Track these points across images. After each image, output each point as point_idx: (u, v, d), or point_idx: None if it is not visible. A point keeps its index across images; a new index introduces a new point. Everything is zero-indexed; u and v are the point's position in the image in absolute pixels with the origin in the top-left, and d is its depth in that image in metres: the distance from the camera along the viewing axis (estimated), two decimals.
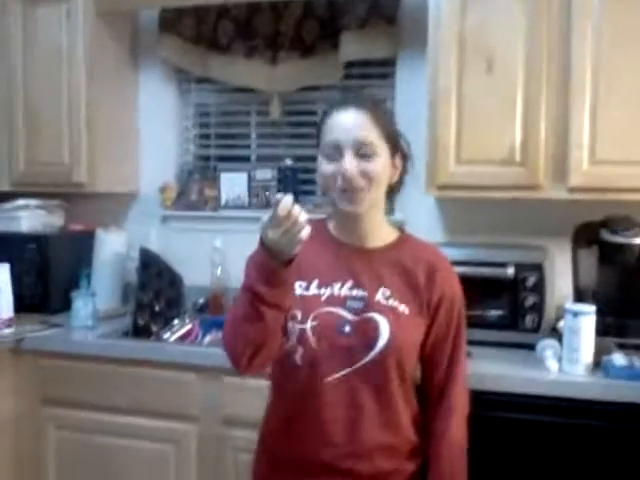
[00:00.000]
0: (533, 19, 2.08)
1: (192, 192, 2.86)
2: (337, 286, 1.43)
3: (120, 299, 2.74)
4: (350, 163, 1.36)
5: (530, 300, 2.12)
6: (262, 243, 1.24)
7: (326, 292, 1.42)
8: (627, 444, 1.81)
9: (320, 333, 1.38)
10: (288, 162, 2.75)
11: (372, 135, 1.38)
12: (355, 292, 1.42)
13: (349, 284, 1.43)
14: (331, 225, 1.52)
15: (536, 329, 2.12)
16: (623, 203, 2.06)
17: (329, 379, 1.38)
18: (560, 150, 2.09)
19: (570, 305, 1.95)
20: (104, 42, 2.68)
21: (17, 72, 2.67)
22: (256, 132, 2.91)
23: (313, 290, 1.42)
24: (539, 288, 2.11)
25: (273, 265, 1.23)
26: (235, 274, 2.74)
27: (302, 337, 1.38)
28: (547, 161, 2.11)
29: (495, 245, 2.30)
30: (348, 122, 1.38)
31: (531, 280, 2.12)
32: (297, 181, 2.75)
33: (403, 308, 1.42)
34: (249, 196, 2.79)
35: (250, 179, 2.79)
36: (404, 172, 1.50)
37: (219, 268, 2.73)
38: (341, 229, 1.49)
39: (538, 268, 2.12)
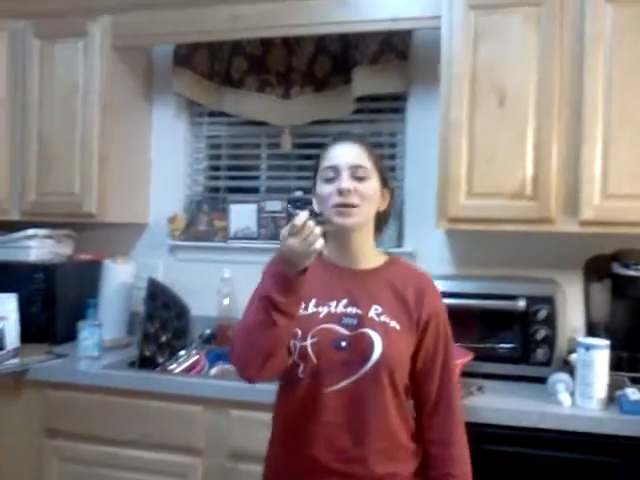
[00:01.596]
0: (545, 54, 2.11)
1: (201, 223, 2.87)
2: (333, 304, 1.53)
3: (126, 329, 2.72)
4: (347, 181, 1.51)
5: (541, 333, 2.10)
6: (279, 255, 1.35)
7: (323, 310, 1.53)
8: None
9: (319, 349, 1.48)
10: (298, 194, 2.75)
11: (366, 162, 1.55)
12: (350, 309, 1.53)
13: (344, 302, 1.53)
14: (325, 251, 1.59)
15: (548, 362, 2.10)
16: (634, 236, 2.05)
17: (329, 390, 1.48)
18: (571, 184, 2.10)
19: (583, 339, 1.94)
20: (119, 76, 2.73)
21: (33, 105, 2.71)
22: (266, 164, 2.93)
23: (311, 309, 1.53)
24: (550, 321, 2.10)
25: (288, 273, 1.34)
26: (243, 305, 2.69)
27: (303, 353, 1.49)
28: (558, 195, 2.11)
29: (506, 278, 2.30)
30: (346, 150, 1.56)
31: (542, 313, 2.10)
32: None
33: (394, 324, 1.52)
34: (258, 227, 2.80)
35: (259, 210, 2.80)
36: (391, 205, 1.66)
37: (227, 299, 2.72)
38: (335, 253, 1.60)
39: (549, 301, 2.11)
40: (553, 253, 2.40)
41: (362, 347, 1.48)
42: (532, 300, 2.11)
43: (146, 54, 2.91)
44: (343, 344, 1.49)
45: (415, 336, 1.54)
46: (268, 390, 2.05)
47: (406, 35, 2.55)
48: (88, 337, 2.41)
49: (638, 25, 2.03)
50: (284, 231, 1.34)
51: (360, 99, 2.65)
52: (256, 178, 2.95)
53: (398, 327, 1.51)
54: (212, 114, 2.95)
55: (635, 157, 2.03)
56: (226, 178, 2.97)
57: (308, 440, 1.49)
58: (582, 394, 1.88)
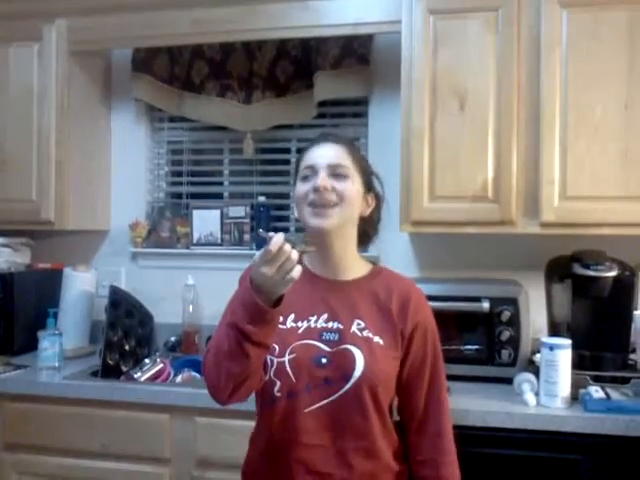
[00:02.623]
0: (503, 58, 2.14)
1: (163, 229, 2.84)
2: (313, 319, 1.45)
3: (88, 338, 2.68)
4: (323, 179, 1.42)
5: (506, 334, 2.13)
6: (251, 282, 1.24)
7: (303, 325, 1.44)
8: (607, 477, 1.80)
9: (297, 365, 1.39)
10: (261, 199, 2.74)
11: (346, 161, 1.46)
12: (331, 324, 1.44)
13: (325, 317, 1.45)
14: (306, 259, 1.53)
15: (513, 363, 2.13)
16: (594, 237, 2.09)
17: (308, 410, 1.39)
18: (532, 186, 2.13)
19: (546, 339, 1.97)
20: (76, 81, 2.67)
21: None
22: (229, 169, 2.91)
23: (290, 323, 1.44)
24: (514, 322, 2.13)
25: (262, 305, 1.23)
26: (208, 311, 2.71)
27: (280, 370, 1.40)
28: (519, 197, 2.14)
29: (470, 280, 2.32)
30: (325, 151, 1.47)
31: (506, 314, 2.13)
32: (270, 218, 2.74)
33: (377, 339, 1.43)
34: (221, 233, 2.78)
35: (223, 216, 2.78)
36: (378, 211, 1.57)
37: (191, 305, 2.69)
38: (317, 261, 1.52)
39: (513, 302, 2.14)
40: (515, 255, 2.43)
41: (343, 364, 1.39)
42: (496, 302, 2.14)
43: (104, 58, 2.86)
44: (323, 361, 1.40)
45: (400, 351, 1.46)
46: None
47: (367, 40, 2.56)
48: (48, 347, 2.36)
49: (593, 30, 2.08)
50: (256, 257, 1.23)
51: (322, 104, 2.65)
52: (219, 184, 2.93)
53: (382, 343, 1.43)
54: (173, 119, 2.92)
55: (592, 159, 2.07)
56: (188, 184, 2.94)
57: (288, 465, 1.40)
58: (547, 393, 1.91)
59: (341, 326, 1.44)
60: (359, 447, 1.40)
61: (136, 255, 2.87)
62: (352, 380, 1.38)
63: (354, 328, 1.43)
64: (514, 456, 1.86)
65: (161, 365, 2.37)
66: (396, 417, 1.53)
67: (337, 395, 1.39)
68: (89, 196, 2.77)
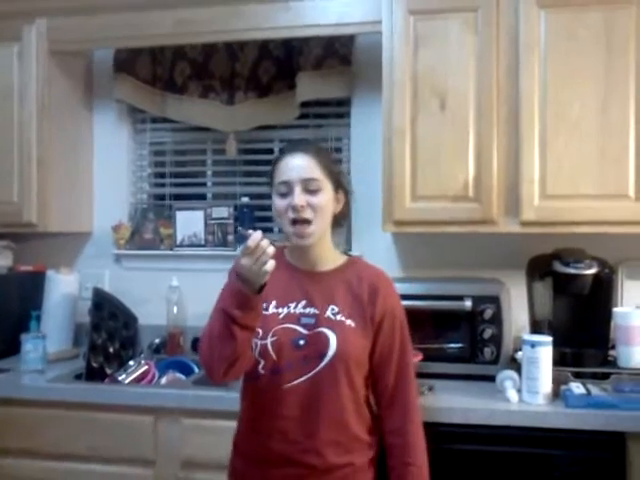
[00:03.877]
0: (483, 58, 2.16)
1: (147, 231, 2.83)
2: (292, 305, 1.63)
3: (72, 341, 2.67)
4: (299, 197, 1.58)
5: (488, 332, 2.15)
6: (237, 273, 1.43)
7: (283, 311, 1.62)
8: (588, 471, 1.83)
9: (279, 347, 1.58)
10: (244, 200, 2.75)
11: (316, 174, 1.61)
12: (308, 310, 1.62)
13: (303, 303, 1.63)
14: (287, 252, 1.72)
15: (495, 361, 2.15)
16: (573, 235, 2.12)
17: (288, 385, 1.57)
18: (512, 185, 2.15)
19: (527, 336, 1.99)
20: (57, 81, 2.66)
21: None
22: (212, 170, 2.92)
23: (272, 310, 1.62)
24: (497, 320, 2.15)
25: (246, 292, 1.43)
26: (192, 312, 2.71)
27: (263, 351, 1.58)
28: (500, 196, 2.17)
29: (452, 279, 2.34)
30: (296, 164, 1.62)
31: (488, 312, 2.15)
32: (254, 218, 2.75)
33: (349, 322, 1.61)
34: (205, 234, 2.78)
35: (206, 217, 2.78)
36: (347, 204, 1.74)
37: (175, 307, 2.69)
38: (295, 256, 1.70)
39: (495, 300, 2.16)
40: (497, 253, 2.46)
41: (319, 345, 1.57)
42: (478, 300, 2.16)
43: (86, 59, 2.85)
44: (301, 342, 1.58)
45: (371, 331, 1.62)
46: (220, 397, 2.07)
47: (349, 40, 2.57)
48: (31, 350, 2.35)
49: (570, 30, 2.10)
50: (238, 251, 1.43)
51: (305, 104, 2.65)
52: (202, 185, 2.93)
53: (353, 325, 1.60)
54: (155, 120, 2.91)
55: (571, 158, 2.10)
56: (171, 185, 2.93)
57: (267, 433, 1.59)
58: (528, 390, 1.94)
59: (317, 311, 1.61)
60: (330, 418, 1.58)
61: (119, 257, 2.86)
62: (326, 359, 1.57)
63: (328, 313, 1.61)
64: (497, 452, 1.88)
65: (146, 367, 2.37)
66: None
67: (313, 372, 1.57)
68: (71, 198, 2.76)
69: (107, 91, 2.81)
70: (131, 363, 2.40)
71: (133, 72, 2.73)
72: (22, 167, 2.58)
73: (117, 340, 2.53)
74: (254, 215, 2.76)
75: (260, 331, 1.56)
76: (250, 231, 1.41)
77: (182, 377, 2.41)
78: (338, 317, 1.60)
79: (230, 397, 2.00)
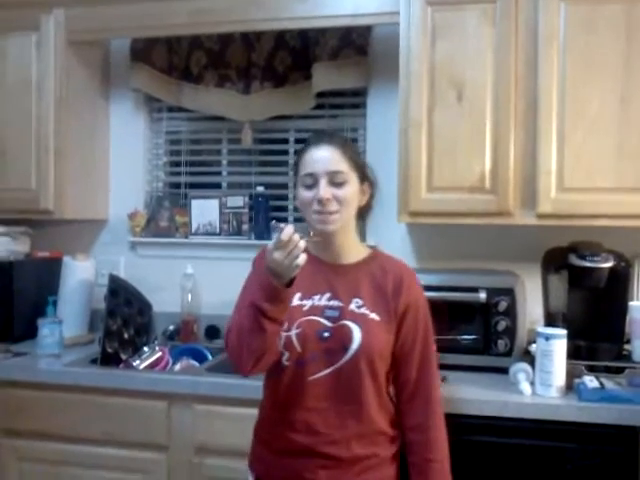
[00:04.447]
0: (501, 50, 2.15)
1: (162, 219, 2.85)
2: (317, 298, 1.63)
3: (88, 327, 2.70)
4: (324, 189, 1.57)
5: (502, 324, 2.15)
6: (267, 267, 1.43)
7: (308, 303, 1.62)
8: (600, 465, 1.83)
9: (303, 338, 1.57)
10: (259, 189, 2.75)
11: (342, 166, 1.60)
12: (332, 302, 1.62)
13: (327, 296, 1.63)
14: (311, 245, 1.64)
15: (509, 353, 2.15)
16: (590, 228, 2.11)
17: (312, 378, 1.57)
18: (529, 177, 2.14)
19: (542, 329, 1.99)
20: (74, 71, 2.67)
21: None
22: (227, 159, 2.92)
23: (296, 302, 1.61)
24: (511, 312, 2.15)
25: (276, 285, 1.42)
26: (206, 300, 2.73)
27: (288, 343, 1.57)
28: (516, 188, 2.16)
29: (467, 270, 2.34)
30: (322, 156, 1.61)
31: (503, 304, 2.15)
32: (268, 208, 2.75)
33: (374, 316, 1.60)
34: (220, 223, 2.79)
35: (221, 206, 2.79)
36: (372, 196, 1.72)
37: (189, 294, 2.71)
38: (320, 248, 1.66)
39: (509, 292, 2.15)
40: (512, 245, 2.45)
41: (342, 337, 1.57)
42: (493, 292, 2.16)
43: (103, 48, 2.86)
44: (326, 335, 1.57)
45: (394, 326, 1.62)
46: (233, 384, 2.08)
47: (365, 31, 2.56)
48: (48, 335, 2.38)
49: (590, 23, 2.09)
50: (270, 245, 1.41)
51: (321, 94, 2.65)
52: (217, 174, 2.94)
53: (378, 318, 1.60)
54: (171, 109, 2.92)
55: (589, 151, 2.09)
56: (187, 174, 2.94)
57: (290, 424, 1.59)
58: (542, 383, 1.93)
59: (341, 304, 1.61)
60: (354, 411, 1.58)
61: (135, 244, 2.88)
62: (350, 352, 1.56)
63: (352, 306, 1.61)
64: (509, 444, 1.88)
65: (160, 353, 2.39)
66: None
67: (338, 365, 1.56)
68: (88, 185, 2.78)
69: (124, 80, 2.82)
70: (145, 349, 2.42)
71: (150, 61, 2.74)
72: (39, 156, 2.61)
73: (132, 326, 2.54)
74: (269, 205, 2.76)
75: (285, 323, 1.54)
76: (282, 224, 1.41)
77: (195, 364, 2.42)
78: (362, 310, 1.60)
79: (243, 384, 2.02)
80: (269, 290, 1.43)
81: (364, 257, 1.69)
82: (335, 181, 1.58)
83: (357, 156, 1.69)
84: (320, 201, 1.57)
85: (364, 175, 1.67)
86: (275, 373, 1.61)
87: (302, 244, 1.39)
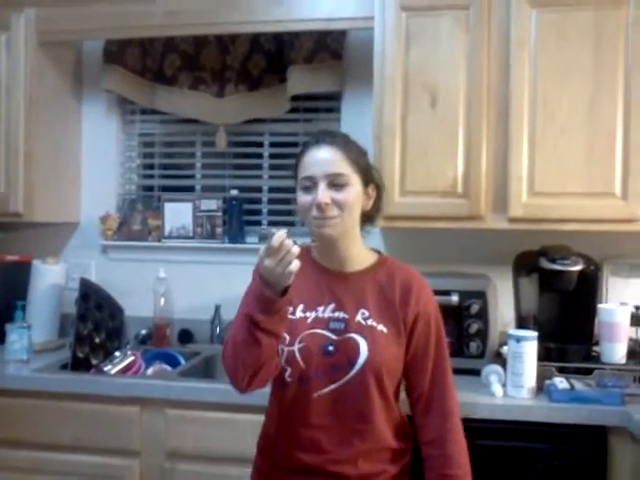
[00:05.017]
0: (473, 56, 2.17)
1: (135, 222, 2.82)
2: (321, 309, 1.54)
3: (58, 332, 2.66)
4: (323, 194, 1.48)
5: (474, 327, 2.17)
6: (260, 275, 1.34)
7: (311, 315, 1.54)
8: (570, 464, 1.85)
9: (307, 353, 1.50)
10: (233, 192, 2.75)
11: (343, 168, 1.51)
12: (337, 314, 1.53)
13: (331, 307, 1.54)
14: (314, 252, 1.61)
15: (481, 355, 2.16)
16: (560, 232, 2.14)
17: (317, 394, 1.50)
18: (500, 182, 2.17)
19: (513, 331, 2.01)
20: (45, 72, 2.64)
21: None
22: (201, 162, 2.91)
23: (299, 314, 1.53)
24: (483, 315, 2.17)
25: (269, 295, 1.34)
26: (179, 304, 2.71)
27: (290, 358, 1.50)
28: (488, 192, 2.19)
29: (439, 274, 2.34)
30: (322, 157, 1.51)
31: (475, 307, 2.17)
32: (242, 211, 2.75)
33: (381, 328, 1.52)
34: (193, 226, 2.77)
35: (195, 209, 2.77)
36: (379, 199, 1.63)
37: (162, 298, 2.69)
38: (323, 255, 1.60)
39: (481, 295, 2.17)
40: (484, 249, 2.48)
41: (348, 351, 1.49)
42: (465, 295, 2.18)
43: (75, 49, 2.83)
44: (330, 348, 1.50)
45: (404, 338, 1.54)
46: (205, 389, 2.08)
47: (340, 35, 2.57)
48: (17, 340, 2.34)
49: (561, 29, 2.12)
50: (261, 252, 1.33)
51: (295, 98, 2.66)
52: (191, 177, 2.92)
53: (386, 330, 1.52)
54: (145, 112, 2.90)
55: (559, 156, 2.12)
56: (160, 177, 2.93)
57: (295, 441, 1.52)
58: (513, 384, 1.96)
59: (346, 315, 1.53)
60: (361, 428, 1.51)
61: (107, 248, 2.85)
62: (357, 366, 1.48)
63: (359, 317, 1.52)
64: (481, 445, 1.88)
65: (132, 358, 2.36)
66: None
67: (344, 380, 1.49)
68: (59, 188, 2.74)
69: (96, 82, 2.79)
70: (117, 354, 2.39)
71: (123, 63, 2.71)
72: (9, 158, 2.57)
73: (103, 331, 2.52)
74: (243, 208, 2.75)
75: (287, 337, 1.48)
76: (274, 229, 1.31)
77: (168, 368, 2.40)
78: (369, 322, 1.52)
79: (215, 388, 2.02)
80: (262, 300, 1.34)
81: (371, 264, 1.60)
82: (335, 183, 1.49)
83: (362, 157, 1.58)
84: (318, 206, 1.47)
85: (369, 177, 1.58)
86: (277, 389, 1.55)
87: (295, 250, 1.30)
